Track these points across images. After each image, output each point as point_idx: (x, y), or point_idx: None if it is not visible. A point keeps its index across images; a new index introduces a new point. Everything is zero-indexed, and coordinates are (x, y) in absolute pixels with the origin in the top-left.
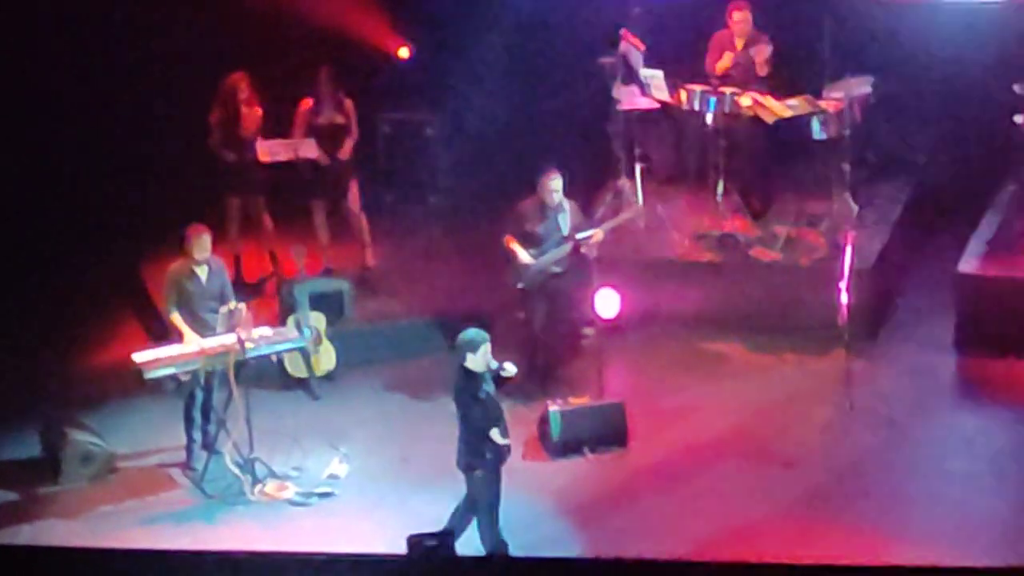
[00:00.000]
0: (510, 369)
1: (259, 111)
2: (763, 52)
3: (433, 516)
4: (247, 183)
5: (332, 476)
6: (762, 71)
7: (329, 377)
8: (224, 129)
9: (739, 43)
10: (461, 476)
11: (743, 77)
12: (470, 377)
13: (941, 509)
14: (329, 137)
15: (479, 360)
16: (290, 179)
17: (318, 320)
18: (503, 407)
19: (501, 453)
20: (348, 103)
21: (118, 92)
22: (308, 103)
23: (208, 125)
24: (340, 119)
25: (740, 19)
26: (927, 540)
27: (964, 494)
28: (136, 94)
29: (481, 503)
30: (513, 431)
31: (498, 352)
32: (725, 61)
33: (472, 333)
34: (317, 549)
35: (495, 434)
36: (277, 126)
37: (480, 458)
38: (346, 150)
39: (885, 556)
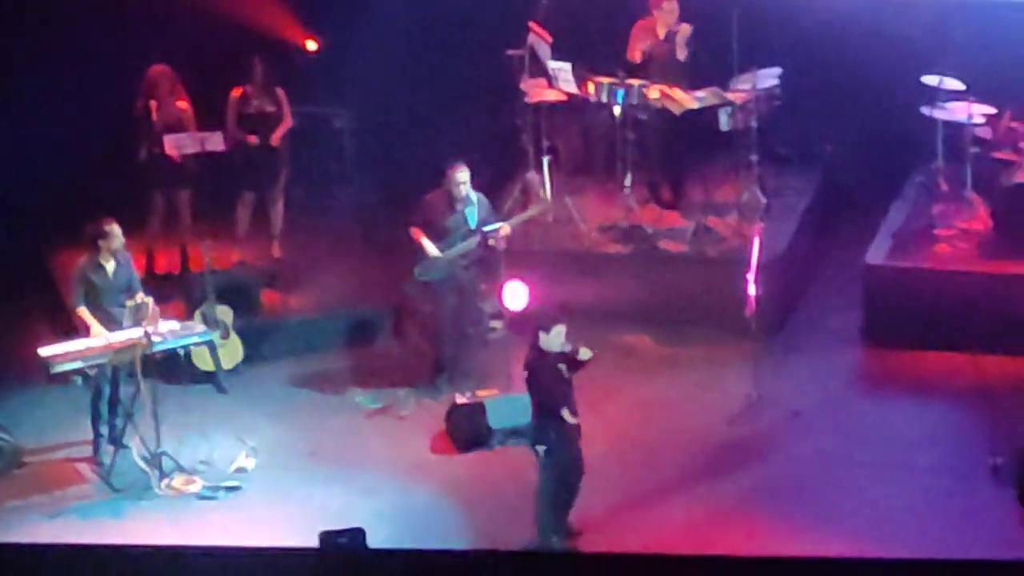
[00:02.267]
0: (584, 353)
1: (184, 104)
2: (685, 31)
3: (340, 509)
4: (169, 176)
5: (239, 470)
6: (681, 55)
7: (236, 371)
8: (146, 122)
9: (661, 32)
10: (368, 470)
11: (664, 64)
12: (541, 355)
13: (848, 500)
14: (260, 126)
15: (552, 340)
16: (221, 171)
17: (225, 314)
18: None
19: (567, 433)
20: (280, 92)
21: (36, 81)
22: (238, 92)
23: (134, 118)
24: (271, 108)
25: (669, 8)
26: (834, 531)
27: (871, 485)
28: (58, 84)
29: (540, 483)
30: (420, 425)
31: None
32: (639, 51)
33: (549, 312)
34: (224, 543)
35: (565, 413)
36: (212, 117)
37: (544, 436)
38: (277, 136)
39: (792, 547)
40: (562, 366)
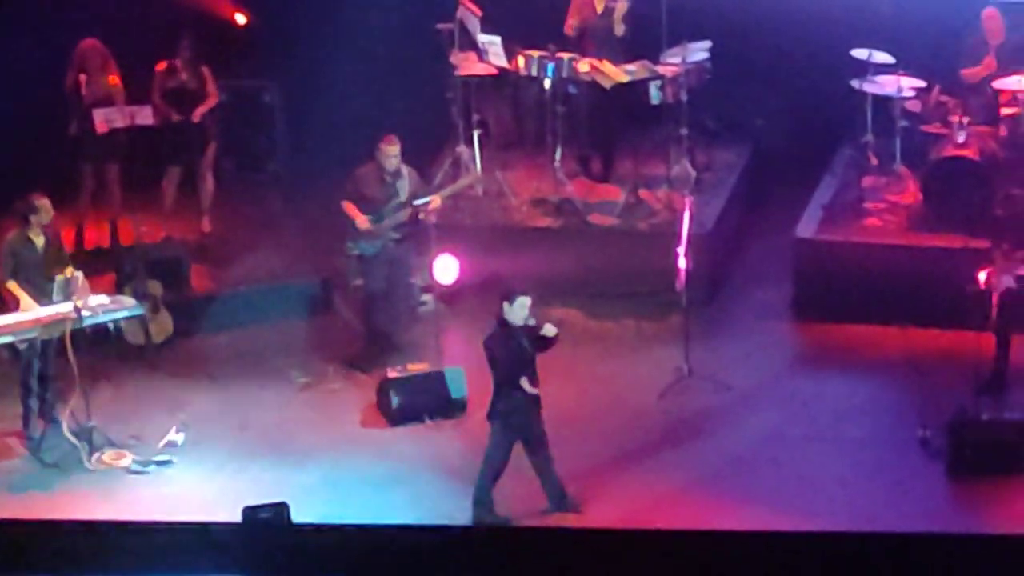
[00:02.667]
0: (549, 330)
1: (115, 78)
2: (621, 9)
3: (271, 483)
4: (100, 150)
5: (170, 444)
6: (619, 30)
7: (167, 345)
8: (76, 96)
9: (599, 6)
10: (298, 444)
11: (601, 39)
12: (504, 328)
13: (778, 473)
14: (184, 101)
15: (515, 312)
16: (147, 145)
17: (155, 288)
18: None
19: (524, 405)
20: (205, 69)
21: None
22: (162, 66)
23: (64, 92)
24: (194, 83)
25: None
26: (765, 504)
27: (801, 458)
28: None
29: (488, 454)
30: (352, 399)
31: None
32: (576, 24)
33: (513, 282)
34: (155, 518)
35: (524, 383)
36: (141, 92)
37: (494, 408)
38: (198, 112)
39: (724, 521)
40: (525, 340)
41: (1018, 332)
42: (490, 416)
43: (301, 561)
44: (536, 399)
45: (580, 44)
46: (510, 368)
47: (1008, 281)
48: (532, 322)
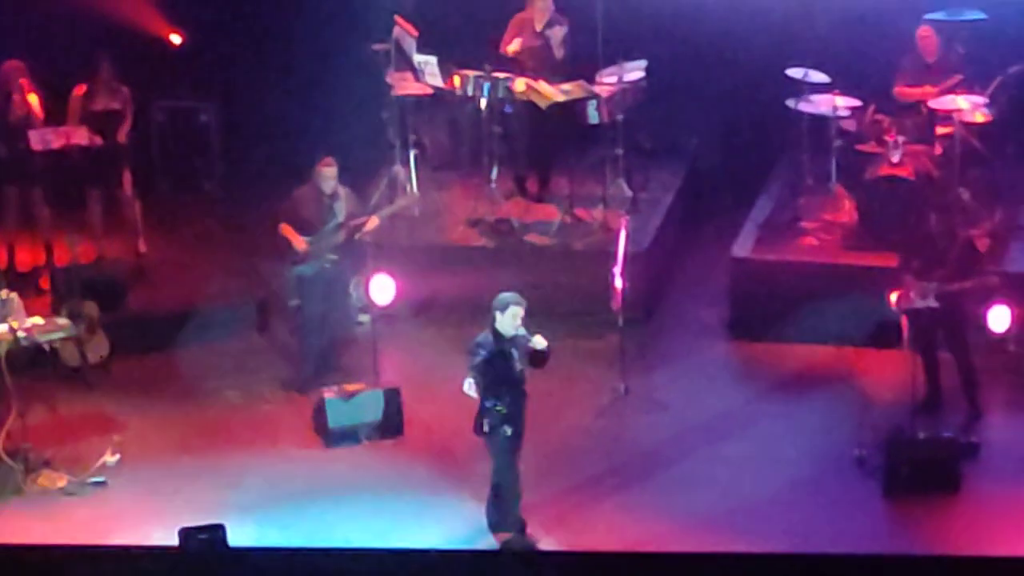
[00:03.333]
0: (538, 342)
1: (36, 100)
2: (559, 34)
3: (207, 504)
4: (24, 172)
5: (106, 465)
6: (559, 53)
7: (103, 366)
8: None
9: (538, 25)
10: (235, 465)
11: (539, 60)
12: (496, 338)
13: (717, 493)
14: (104, 123)
15: (506, 322)
16: (66, 167)
17: (91, 308)
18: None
19: (507, 418)
20: (124, 90)
21: None
22: (82, 89)
23: None
24: (115, 105)
25: (543, 5)
26: (701, 525)
27: (740, 478)
28: None
29: (492, 468)
30: (288, 419)
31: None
32: (515, 45)
33: (506, 295)
34: (92, 539)
35: (467, 385)
36: (62, 114)
37: (480, 422)
38: (119, 136)
39: (660, 542)
40: (515, 352)
41: (940, 349)
42: (475, 429)
43: None
44: (522, 407)
45: (519, 64)
46: (495, 379)
47: (927, 302)
48: (523, 332)
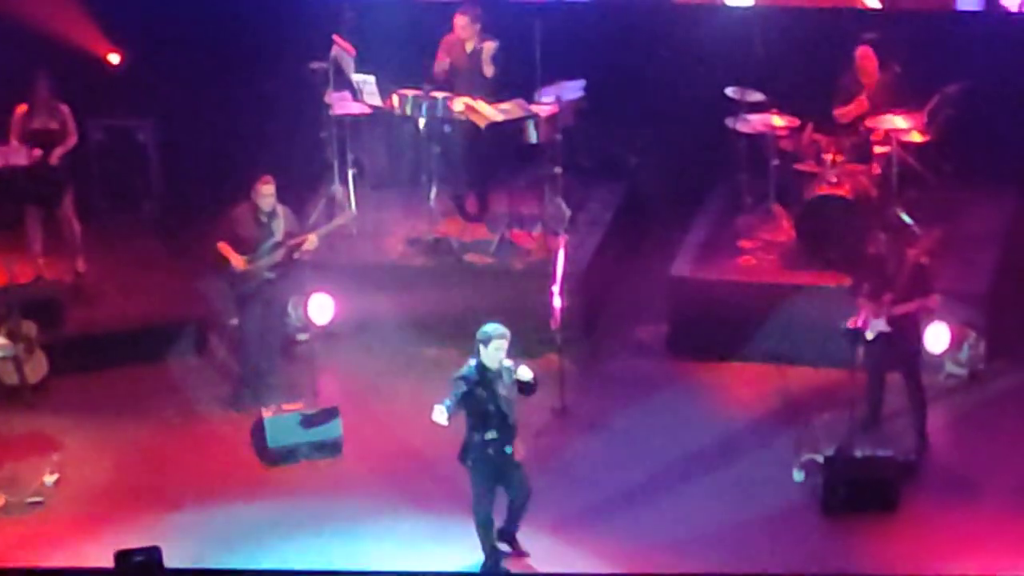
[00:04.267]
0: (522, 373)
1: None
2: (489, 48)
3: (144, 524)
4: None
5: (44, 485)
6: (488, 71)
7: (41, 385)
8: None
9: (468, 46)
10: (172, 485)
11: (470, 79)
12: (480, 370)
13: (656, 512)
14: (44, 142)
15: (490, 355)
16: (4, 186)
17: (29, 328)
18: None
19: (489, 452)
20: (64, 108)
21: None
22: (23, 108)
23: None
24: (54, 124)
25: (463, 24)
26: (638, 545)
27: (679, 496)
28: None
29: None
30: (227, 439)
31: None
32: (444, 65)
33: (489, 327)
34: (28, 560)
35: (438, 412)
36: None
37: (464, 453)
38: (56, 155)
39: (596, 563)
40: (501, 385)
41: (890, 370)
42: (460, 457)
43: None
44: (508, 439)
45: (450, 84)
46: (480, 412)
47: (879, 325)
48: (508, 365)
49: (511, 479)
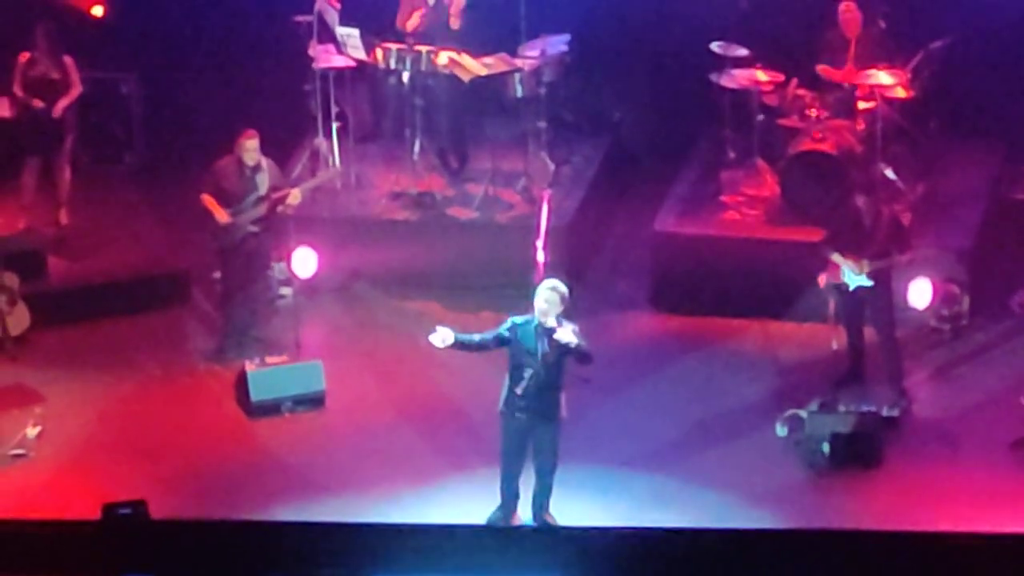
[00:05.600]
0: (561, 334)
1: None
2: (457, 4)
3: (128, 476)
4: None
5: (27, 437)
6: (455, 24)
7: (24, 338)
8: None
9: None
10: (156, 437)
11: (435, 32)
12: (532, 324)
13: (637, 467)
14: (46, 92)
15: (536, 304)
16: (3, 136)
17: (11, 280)
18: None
19: (507, 399)
20: (67, 60)
21: None
22: (25, 57)
23: None
24: (56, 74)
25: None
26: (626, 501)
27: (662, 452)
28: None
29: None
30: (210, 392)
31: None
32: (415, 19)
33: (546, 280)
34: (11, 512)
35: (436, 334)
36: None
37: (503, 399)
38: (60, 106)
39: (579, 516)
40: (540, 339)
41: (870, 325)
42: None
43: (162, 558)
44: (540, 396)
45: (415, 37)
46: (514, 362)
47: (860, 280)
48: (549, 324)
49: (540, 442)
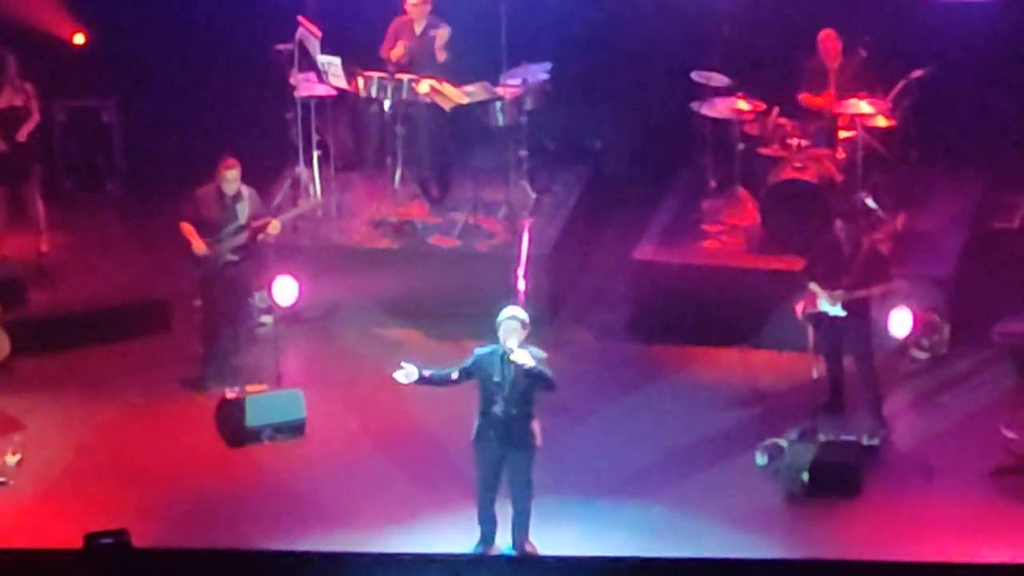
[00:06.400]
0: (518, 356)
1: None
2: (442, 37)
3: (109, 505)
4: None
5: (7, 465)
6: (440, 56)
7: (4, 365)
8: None
9: (418, 28)
10: (137, 465)
11: (421, 63)
12: (495, 348)
13: (615, 496)
14: (9, 120)
15: (500, 336)
16: None
17: None
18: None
19: (479, 429)
20: (29, 87)
21: None
22: None
23: None
24: (17, 102)
25: (416, 2)
26: (604, 529)
27: (638, 481)
28: None
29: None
30: (191, 420)
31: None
32: (399, 49)
33: (506, 308)
34: None
35: (403, 370)
36: None
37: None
38: (22, 134)
39: (559, 546)
40: (507, 367)
41: (847, 354)
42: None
43: None
44: (508, 424)
45: (402, 67)
46: (486, 392)
47: (835, 309)
48: (510, 348)
49: (514, 471)
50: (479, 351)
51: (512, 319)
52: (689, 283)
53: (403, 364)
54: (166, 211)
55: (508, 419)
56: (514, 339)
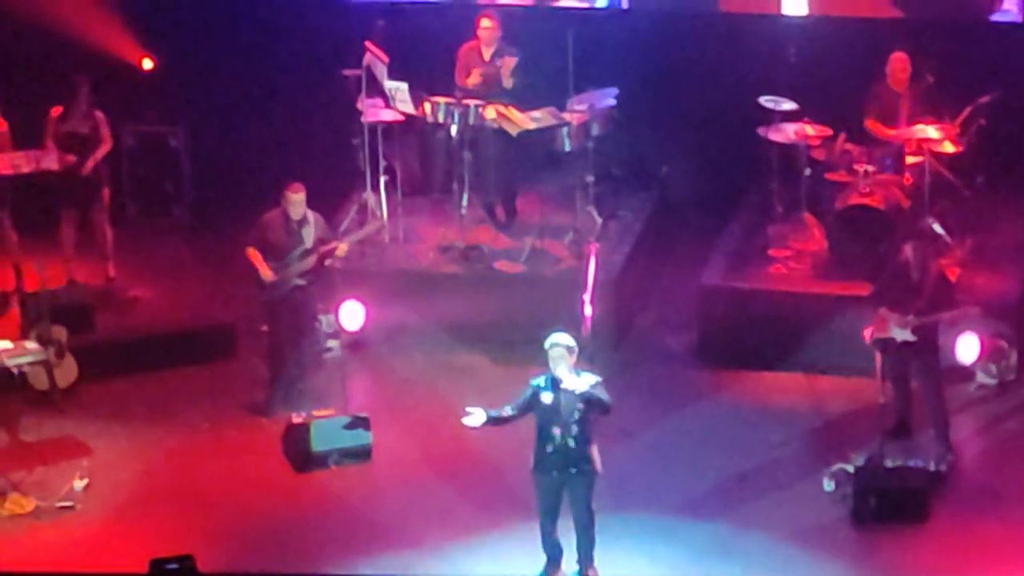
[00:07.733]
0: (568, 382)
1: (2, 124)
2: (509, 64)
3: (176, 530)
4: None
5: (74, 490)
6: (508, 83)
7: (71, 390)
8: None
9: (487, 53)
10: (203, 490)
11: (488, 88)
12: (552, 380)
13: (683, 523)
14: (77, 147)
15: (551, 364)
16: (38, 190)
17: (60, 333)
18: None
19: (537, 458)
20: (99, 114)
21: None
22: (57, 111)
23: None
24: (85, 129)
25: (488, 27)
26: (672, 553)
27: (706, 505)
28: None
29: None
30: (257, 445)
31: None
32: (475, 76)
33: (552, 335)
34: (60, 566)
35: (470, 414)
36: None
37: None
38: (89, 163)
39: (627, 569)
40: (567, 395)
41: (915, 380)
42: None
43: None
44: (566, 451)
45: (473, 92)
46: (543, 423)
47: (903, 335)
48: (560, 374)
49: (574, 498)
50: (534, 381)
51: (557, 346)
52: (755, 308)
53: (470, 409)
54: (232, 236)
55: (565, 446)
56: (563, 365)
